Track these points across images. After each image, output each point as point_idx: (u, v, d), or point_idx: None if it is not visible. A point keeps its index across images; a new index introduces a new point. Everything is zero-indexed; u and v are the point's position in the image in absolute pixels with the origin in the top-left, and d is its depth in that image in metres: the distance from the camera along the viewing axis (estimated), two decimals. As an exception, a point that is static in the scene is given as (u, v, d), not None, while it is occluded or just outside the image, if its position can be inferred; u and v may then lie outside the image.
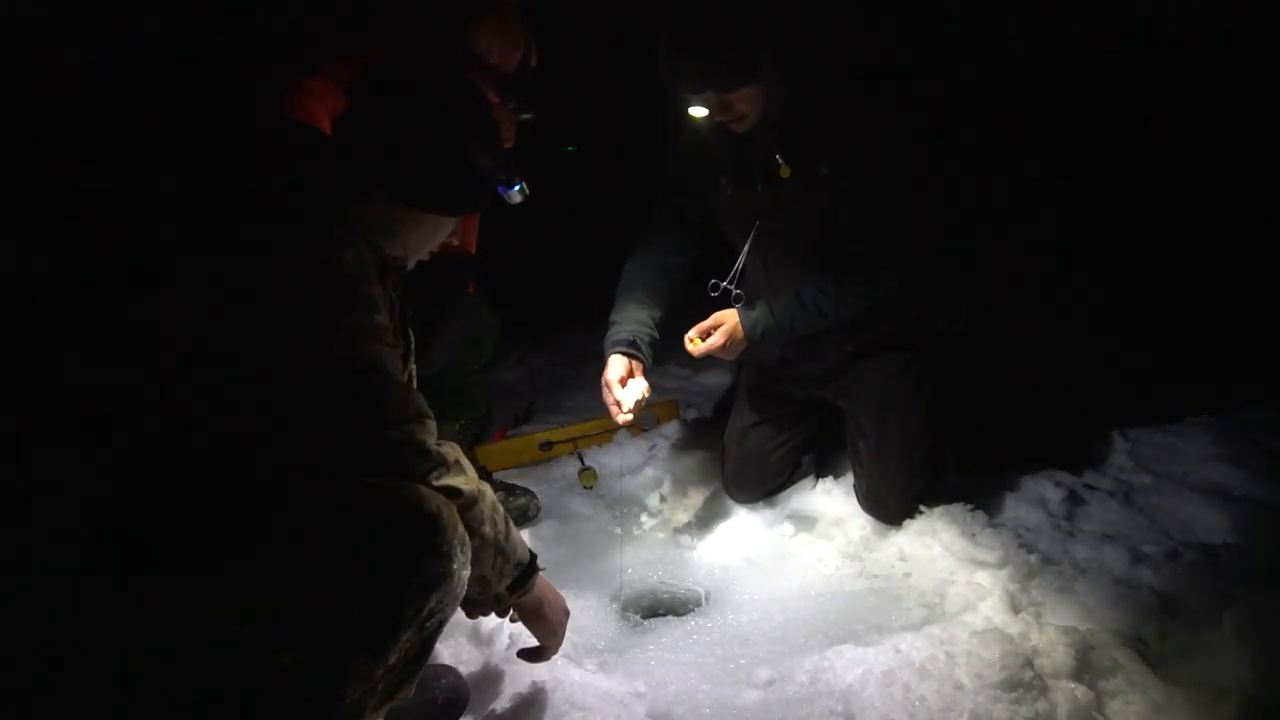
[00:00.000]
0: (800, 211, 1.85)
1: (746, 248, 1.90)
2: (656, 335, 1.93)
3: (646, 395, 1.81)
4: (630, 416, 1.80)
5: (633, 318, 1.92)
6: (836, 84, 1.77)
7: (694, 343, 1.84)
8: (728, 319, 1.84)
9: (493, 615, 1.33)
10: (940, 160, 2.08)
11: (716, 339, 1.82)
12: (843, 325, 1.89)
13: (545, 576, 1.37)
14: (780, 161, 1.80)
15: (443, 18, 1.62)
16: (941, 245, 2.03)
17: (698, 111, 1.71)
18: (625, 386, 1.82)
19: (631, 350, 1.87)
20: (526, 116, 1.79)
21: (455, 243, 1.33)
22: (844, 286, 1.82)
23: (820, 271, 1.85)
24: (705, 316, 1.88)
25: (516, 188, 1.70)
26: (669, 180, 2.03)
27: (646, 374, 1.85)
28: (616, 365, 1.85)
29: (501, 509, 1.18)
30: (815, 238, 1.87)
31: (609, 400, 1.83)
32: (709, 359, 1.91)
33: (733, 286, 1.91)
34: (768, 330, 1.82)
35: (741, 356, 1.95)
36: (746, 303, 1.86)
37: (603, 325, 1.96)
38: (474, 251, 1.97)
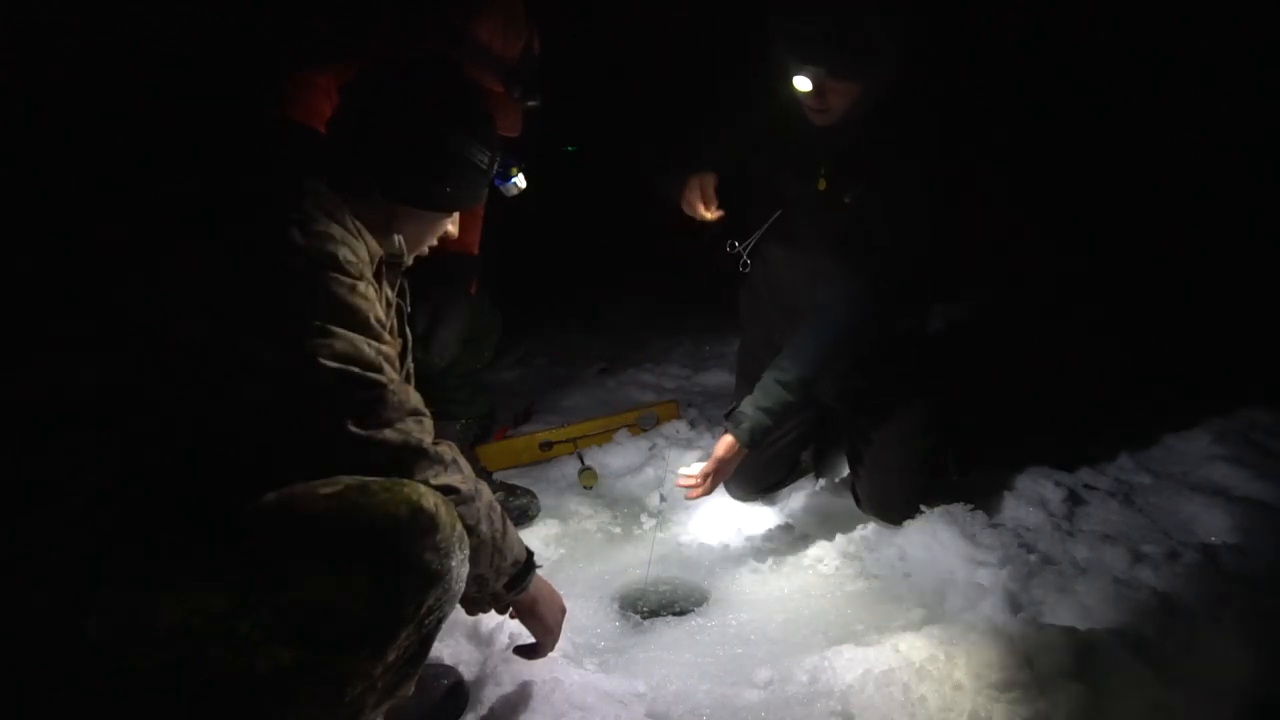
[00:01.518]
0: (819, 226, 1.86)
1: (765, 228, 1.90)
2: (732, 171, 1.93)
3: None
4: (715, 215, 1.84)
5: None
6: (906, 113, 1.73)
7: (697, 488, 1.82)
8: (717, 450, 1.82)
9: (492, 614, 1.34)
10: (961, 196, 2.09)
11: (716, 474, 1.82)
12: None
13: (544, 575, 1.38)
14: (821, 173, 1.80)
15: (445, 8, 1.62)
16: (932, 278, 2.04)
17: (802, 84, 1.63)
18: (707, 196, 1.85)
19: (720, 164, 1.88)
20: (532, 104, 1.79)
21: (454, 237, 1.33)
22: (824, 347, 1.80)
23: (809, 284, 1.84)
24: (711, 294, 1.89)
25: (513, 180, 1.70)
26: (738, 133, 1.97)
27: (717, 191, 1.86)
28: (703, 181, 1.86)
29: (499, 508, 1.19)
30: (821, 256, 1.88)
31: (695, 202, 1.85)
32: (710, 359, 1.90)
33: (744, 253, 1.91)
34: (765, 431, 1.81)
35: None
36: (730, 416, 1.84)
37: (603, 325, 1.96)
38: (476, 252, 1.97)
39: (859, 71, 1.62)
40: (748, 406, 1.82)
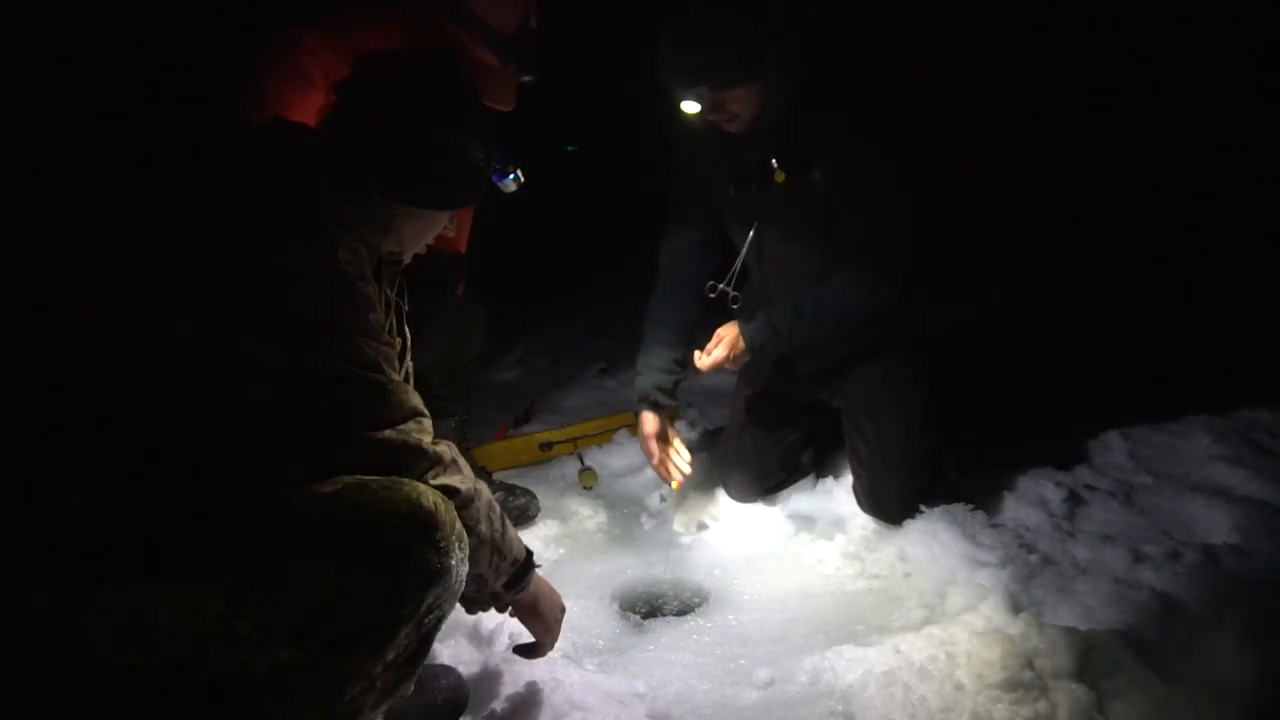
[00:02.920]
0: (796, 217, 1.85)
1: (744, 250, 1.90)
2: (681, 376, 1.96)
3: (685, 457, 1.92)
4: (684, 475, 1.90)
5: (655, 366, 1.94)
6: (833, 88, 1.76)
7: (700, 359, 1.85)
8: (728, 333, 1.83)
9: (492, 614, 1.34)
10: (934, 165, 2.09)
11: (720, 352, 1.82)
12: (839, 336, 1.89)
13: (544, 575, 1.38)
14: (775, 166, 1.80)
15: None
16: (933, 254, 2.04)
17: (690, 107, 1.69)
18: (664, 442, 1.90)
19: (659, 400, 1.92)
20: (526, 79, 1.78)
21: (451, 233, 1.33)
22: (843, 298, 1.81)
23: (818, 278, 1.84)
24: (723, 317, 1.89)
25: (511, 176, 1.70)
26: (679, 184, 2.02)
27: (677, 418, 1.90)
28: (649, 422, 1.91)
29: (498, 507, 1.19)
30: (811, 243, 1.87)
31: (654, 463, 1.92)
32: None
33: (730, 289, 1.92)
34: (766, 342, 1.82)
35: (745, 367, 1.95)
36: (746, 315, 1.85)
37: (602, 325, 1.97)
38: (463, 251, 1.97)
39: (744, 76, 1.64)
40: (762, 318, 1.83)
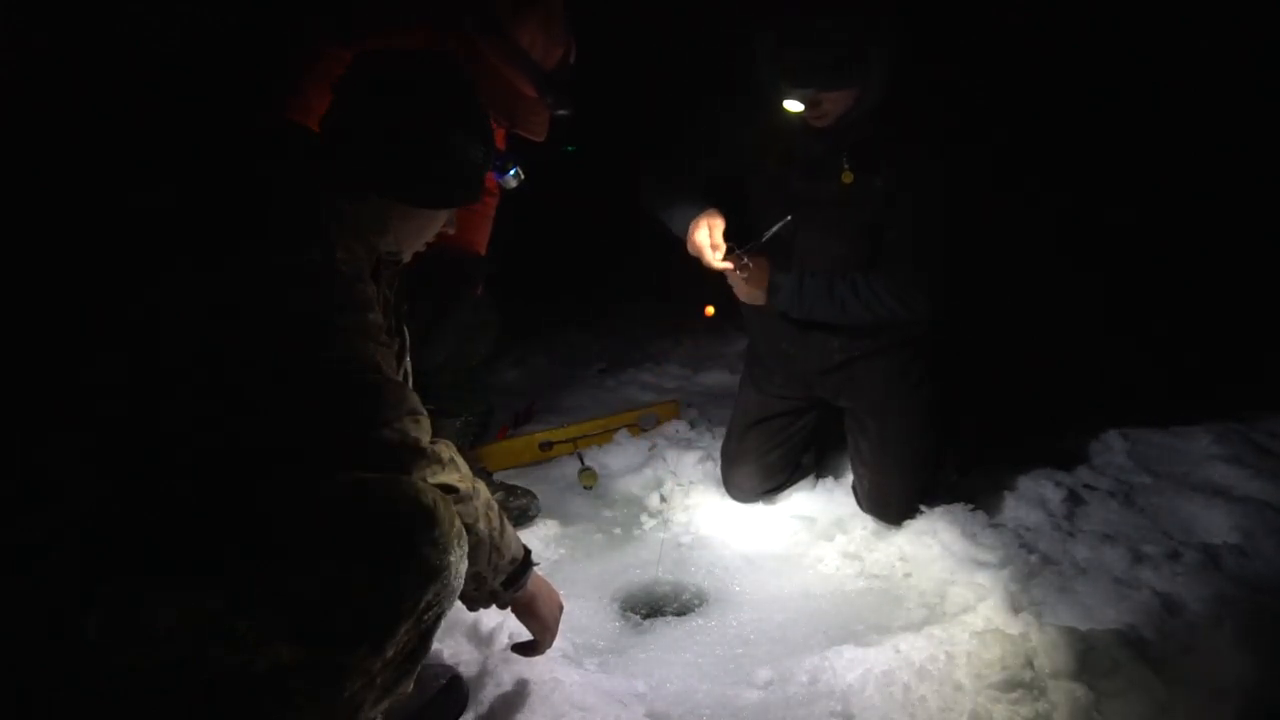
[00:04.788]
0: (845, 216, 1.86)
1: (775, 228, 1.86)
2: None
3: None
4: (729, 264, 1.82)
5: (691, 200, 1.87)
6: (914, 101, 1.78)
7: (728, 256, 1.81)
8: (763, 265, 1.84)
9: (492, 614, 1.34)
10: (982, 185, 2.10)
11: (743, 278, 1.81)
12: (853, 330, 1.89)
13: (544, 575, 1.38)
14: (846, 166, 1.80)
15: (492, 7, 1.62)
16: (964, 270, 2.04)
17: (793, 106, 1.68)
18: (715, 241, 1.82)
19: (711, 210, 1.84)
20: (562, 112, 1.79)
21: (451, 231, 1.33)
22: (877, 295, 1.82)
23: (855, 270, 1.85)
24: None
25: (511, 173, 1.70)
26: (695, 145, 1.99)
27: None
28: (701, 226, 1.82)
29: (496, 506, 1.19)
30: (853, 244, 1.88)
31: (703, 247, 1.81)
32: (708, 357, 1.90)
33: (745, 258, 1.89)
34: (789, 298, 1.84)
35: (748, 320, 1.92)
36: (783, 266, 1.86)
37: (602, 325, 1.97)
38: (484, 253, 1.97)
39: (849, 81, 1.65)
40: (793, 280, 1.83)
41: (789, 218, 1.83)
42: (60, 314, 0.97)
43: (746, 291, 1.87)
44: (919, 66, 1.79)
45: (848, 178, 1.80)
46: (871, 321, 1.87)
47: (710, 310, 1.90)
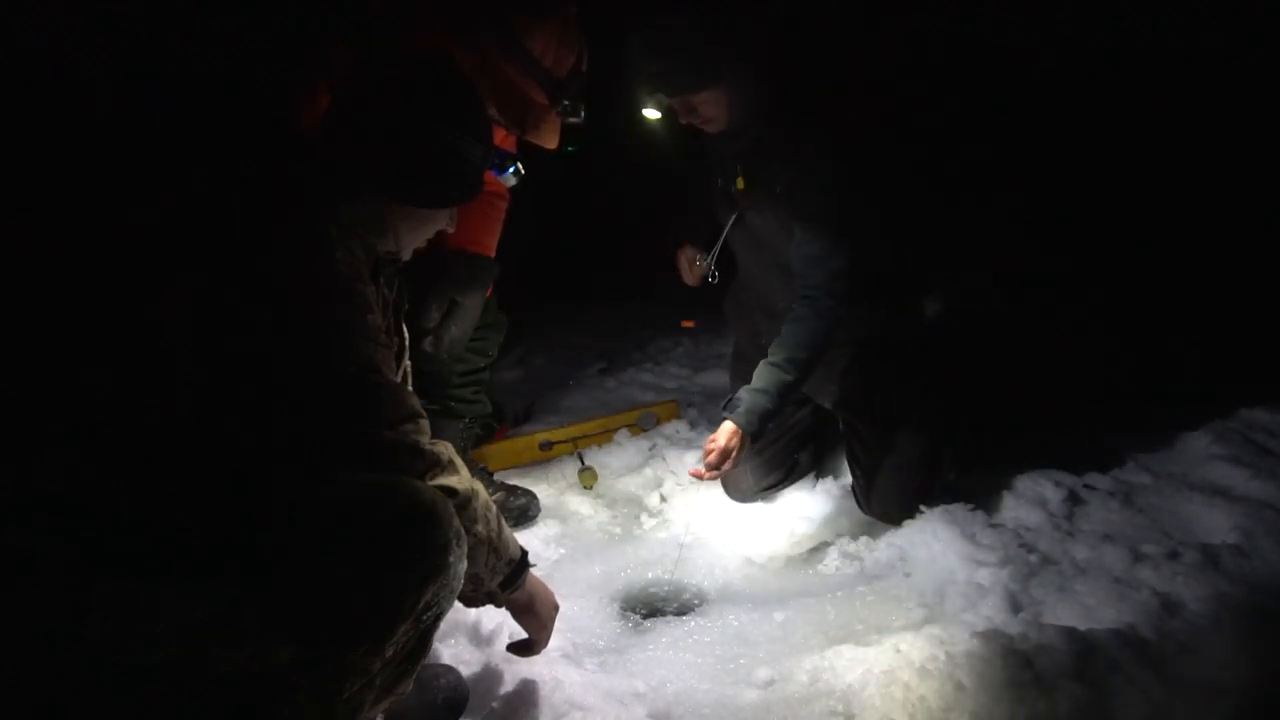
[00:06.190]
0: (756, 222, 1.90)
1: (721, 237, 1.96)
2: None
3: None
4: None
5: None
6: (799, 99, 1.78)
7: (708, 474, 1.78)
8: (722, 437, 1.77)
9: (493, 615, 1.34)
10: (894, 175, 2.14)
11: (727, 464, 1.77)
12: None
13: (544, 575, 1.38)
14: (739, 172, 1.84)
15: (505, 14, 1.63)
16: (890, 262, 2.04)
17: (650, 113, 1.75)
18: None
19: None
20: (574, 120, 1.82)
21: (451, 230, 1.33)
22: (807, 338, 1.80)
23: (780, 278, 1.89)
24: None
25: (511, 170, 1.71)
26: (698, 159, 2.06)
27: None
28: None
29: (494, 508, 1.19)
30: (771, 249, 1.91)
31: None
32: (708, 357, 1.91)
33: (711, 266, 1.98)
34: (764, 414, 1.78)
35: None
36: (730, 405, 1.80)
37: (602, 325, 1.99)
38: (493, 254, 1.98)
39: (701, 83, 1.68)
40: (743, 392, 1.81)
41: (730, 221, 1.91)
42: (60, 316, 0.97)
43: (740, 459, 1.81)
44: (824, 65, 1.84)
45: (741, 184, 1.84)
46: (822, 350, 1.83)
47: (688, 323, 1.97)
